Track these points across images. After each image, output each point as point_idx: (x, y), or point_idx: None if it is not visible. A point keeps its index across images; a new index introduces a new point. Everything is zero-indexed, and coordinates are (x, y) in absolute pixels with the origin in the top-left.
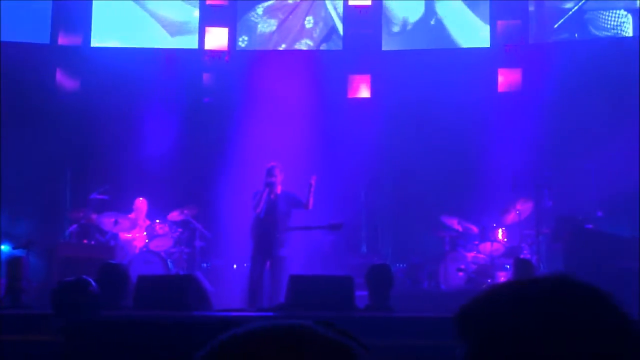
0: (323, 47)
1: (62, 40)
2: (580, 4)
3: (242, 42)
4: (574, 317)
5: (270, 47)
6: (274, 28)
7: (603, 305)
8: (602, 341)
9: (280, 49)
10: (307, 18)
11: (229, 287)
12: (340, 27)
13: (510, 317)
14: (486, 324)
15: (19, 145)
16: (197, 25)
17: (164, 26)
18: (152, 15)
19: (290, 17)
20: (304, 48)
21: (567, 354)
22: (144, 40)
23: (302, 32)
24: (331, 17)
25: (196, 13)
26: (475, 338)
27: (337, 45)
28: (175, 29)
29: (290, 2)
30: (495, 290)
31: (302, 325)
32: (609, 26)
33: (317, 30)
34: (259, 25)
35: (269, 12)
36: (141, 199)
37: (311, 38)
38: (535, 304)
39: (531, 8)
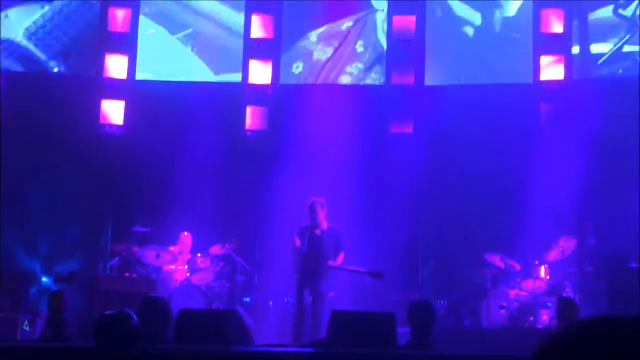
0: (376, 69)
1: (108, 72)
2: (623, 41)
3: (297, 68)
4: None
5: (323, 73)
6: (329, 55)
7: None
8: None
9: (333, 74)
10: (359, 42)
11: (269, 322)
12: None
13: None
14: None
15: (61, 177)
16: (240, 63)
17: (208, 64)
18: (197, 53)
19: (344, 43)
20: (355, 72)
21: None
22: (189, 77)
23: (354, 56)
24: (380, 44)
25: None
26: None
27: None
28: (219, 67)
29: (343, 28)
30: (583, 325)
31: None
32: None
33: (367, 55)
34: (315, 53)
35: (324, 39)
36: (186, 233)
37: (362, 62)
38: (620, 344)
39: (575, 44)
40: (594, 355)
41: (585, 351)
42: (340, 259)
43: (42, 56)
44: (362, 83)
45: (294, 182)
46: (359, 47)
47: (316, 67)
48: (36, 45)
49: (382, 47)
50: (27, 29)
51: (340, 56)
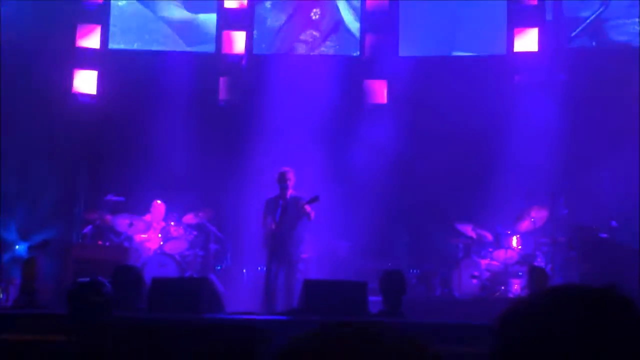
0: (332, 38)
1: (81, 42)
2: (597, 13)
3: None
4: (608, 328)
5: (278, 40)
6: (283, 22)
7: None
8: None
9: (287, 42)
10: (314, 10)
11: (242, 290)
12: (348, 21)
13: (548, 320)
14: (524, 325)
15: (35, 146)
16: (213, 34)
17: (180, 36)
18: (169, 24)
19: (299, 10)
20: (309, 39)
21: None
22: (161, 47)
23: (308, 24)
24: (338, 11)
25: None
26: (511, 338)
27: (346, 38)
28: (191, 39)
29: None
30: (541, 294)
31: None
32: (632, 31)
33: (324, 23)
34: (268, 20)
35: (278, 7)
36: (159, 202)
37: (317, 29)
38: (574, 312)
39: (549, 17)
40: (555, 320)
41: (548, 317)
42: (312, 215)
43: None
44: (316, 52)
45: (267, 151)
46: (314, 15)
47: (270, 34)
48: None
49: (341, 16)
50: None
51: (294, 24)
